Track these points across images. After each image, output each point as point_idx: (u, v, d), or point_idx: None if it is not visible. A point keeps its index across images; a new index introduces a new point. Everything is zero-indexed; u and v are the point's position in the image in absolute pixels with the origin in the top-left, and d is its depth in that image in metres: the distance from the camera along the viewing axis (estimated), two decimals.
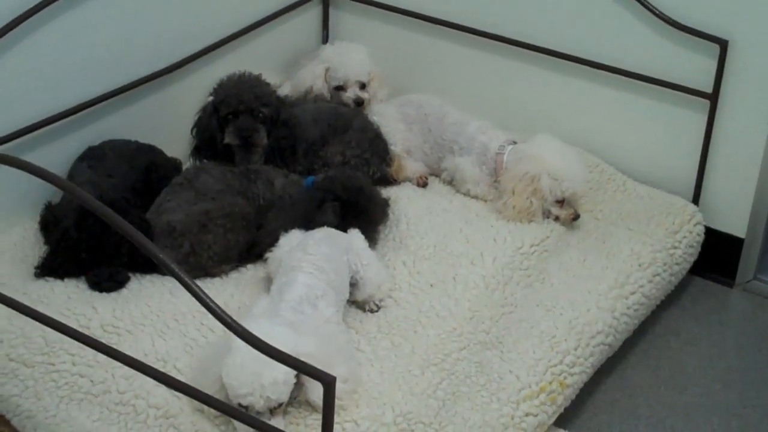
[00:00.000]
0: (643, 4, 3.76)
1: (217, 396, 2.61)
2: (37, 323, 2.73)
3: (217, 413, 2.72)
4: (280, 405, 2.66)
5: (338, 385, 2.38)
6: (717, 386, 3.51)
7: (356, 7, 4.45)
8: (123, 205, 3.23)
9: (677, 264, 3.70)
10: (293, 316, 2.87)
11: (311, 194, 3.41)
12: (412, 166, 3.94)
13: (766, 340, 3.73)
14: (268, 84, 3.70)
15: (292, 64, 4.41)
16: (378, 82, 4.20)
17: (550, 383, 3.09)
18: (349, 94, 4.09)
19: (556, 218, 3.67)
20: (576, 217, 3.67)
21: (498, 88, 4.25)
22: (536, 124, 4.05)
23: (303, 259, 3.04)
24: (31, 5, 3.29)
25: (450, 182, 3.90)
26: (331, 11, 4.53)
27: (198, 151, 3.69)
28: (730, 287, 3.98)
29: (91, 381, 2.88)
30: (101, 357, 2.85)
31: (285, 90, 4.20)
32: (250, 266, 3.40)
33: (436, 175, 3.97)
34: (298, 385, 2.70)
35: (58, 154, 3.53)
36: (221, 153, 3.63)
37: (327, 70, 4.12)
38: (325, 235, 3.19)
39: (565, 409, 3.17)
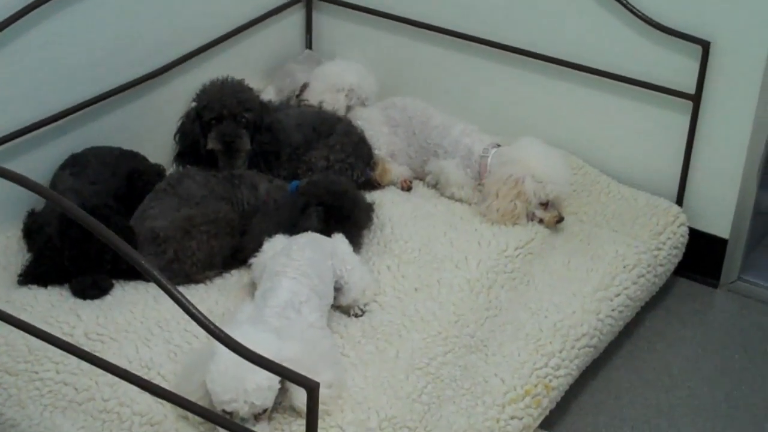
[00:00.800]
0: (625, 6, 3.77)
1: (201, 402, 2.61)
2: (20, 331, 2.72)
3: (202, 420, 2.71)
4: (265, 411, 2.65)
5: (322, 391, 2.39)
6: (702, 387, 3.51)
7: (339, 11, 4.45)
8: (106, 212, 3.22)
9: (661, 265, 3.71)
10: (277, 321, 2.86)
11: (295, 199, 3.41)
12: (396, 170, 3.94)
13: (751, 341, 3.73)
14: (251, 89, 3.70)
15: (276, 68, 4.41)
16: None
17: (536, 386, 3.09)
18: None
19: (540, 221, 3.67)
20: (560, 219, 3.67)
21: (481, 91, 4.26)
22: (519, 127, 4.05)
23: (287, 264, 3.04)
24: (12, 13, 3.28)
25: (434, 186, 3.90)
26: (314, 15, 4.53)
27: (181, 156, 3.69)
28: (715, 288, 3.99)
29: (75, 389, 2.87)
30: (85, 365, 2.84)
31: (269, 94, 4.20)
32: (234, 272, 3.40)
33: (421, 179, 3.97)
34: (283, 391, 2.70)
35: (41, 161, 3.53)
36: (204, 158, 3.63)
37: (347, 95, 4.11)
38: (309, 239, 3.19)
39: (551, 411, 3.17)
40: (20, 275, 3.26)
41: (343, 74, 4.16)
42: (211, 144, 3.60)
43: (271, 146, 3.68)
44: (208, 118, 3.59)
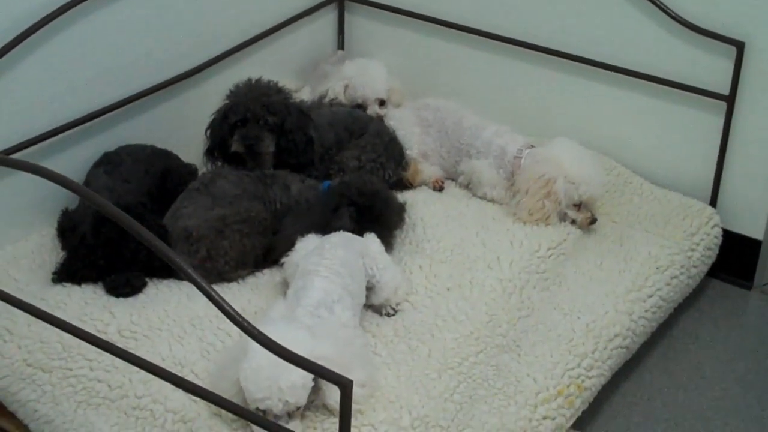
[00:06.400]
0: (659, 7, 3.75)
1: (234, 400, 2.61)
2: (54, 329, 2.73)
3: (235, 417, 2.72)
4: (298, 408, 2.66)
5: (355, 389, 2.38)
6: (735, 389, 3.49)
7: (371, 12, 4.46)
8: (140, 210, 3.24)
9: (695, 266, 3.69)
10: (310, 320, 2.87)
11: (327, 199, 3.41)
12: (428, 170, 3.94)
13: None
14: (279, 91, 3.66)
15: (310, 68, 4.43)
16: (398, 95, 4.22)
17: (568, 386, 3.08)
18: (370, 112, 4.11)
19: (573, 222, 3.66)
20: (593, 220, 3.66)
21: (514, 92, 4.25)
22: (552, 128, 4.04)
23: (319, 263, 3.05)
24: (47, 12, 3.31)
25: (467, 186, 3.89)
26: (347, 16, 4.54)
27: (211, 152, 3.68)
28: (749, 289, 3.96)
29: (109, 386, 2.88)
30: (119, 362, 2.86)
31: (304, 95, 4.21)
32: (266, 271, 3.40)
33: (453, 179, 3.97)
34: (316, 389, 2.70)
35: (75, 160, 3.55)
36: (232, 157, 3.62)
37: (346, 87, 4.15)
38: (341, 239, 3.19)
39: (583, 412, 3.16)
40: (54, 273, 3.28)
41: (346, 65, 4.22)
42: (235, 146, 3.58)
43: (295, 153, 3.66)
44: (233, 120, 3.59)
